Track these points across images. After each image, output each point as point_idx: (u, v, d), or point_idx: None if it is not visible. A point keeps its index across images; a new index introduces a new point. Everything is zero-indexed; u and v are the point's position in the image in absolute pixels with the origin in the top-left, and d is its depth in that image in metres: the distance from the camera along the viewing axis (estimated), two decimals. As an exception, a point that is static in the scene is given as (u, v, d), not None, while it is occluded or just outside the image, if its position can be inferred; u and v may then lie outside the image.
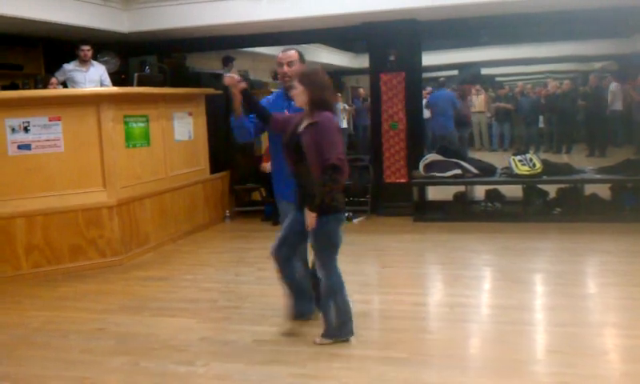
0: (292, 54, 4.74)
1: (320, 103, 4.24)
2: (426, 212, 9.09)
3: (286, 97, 4.76)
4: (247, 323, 5.04)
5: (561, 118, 16.53)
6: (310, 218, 4.26)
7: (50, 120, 6.78)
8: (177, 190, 8.31)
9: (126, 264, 7.11)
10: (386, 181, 9.42)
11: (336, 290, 4.48)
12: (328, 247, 4.44)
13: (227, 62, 11.05)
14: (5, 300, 6.08)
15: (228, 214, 9.56)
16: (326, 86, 4.31)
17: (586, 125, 16.29)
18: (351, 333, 4.56)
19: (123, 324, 5.20)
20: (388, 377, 4.01)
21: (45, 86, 7.83)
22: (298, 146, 4.26)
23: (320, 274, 4.48)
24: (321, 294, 4.53)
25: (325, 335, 4.54)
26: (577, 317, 4.94)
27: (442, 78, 15.48)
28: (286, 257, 4.63)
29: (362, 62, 16.87)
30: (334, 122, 4.27)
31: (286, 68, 4.69)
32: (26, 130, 6.69)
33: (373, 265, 7.05)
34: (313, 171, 4.22)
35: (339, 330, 4.52)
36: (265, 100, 4.87)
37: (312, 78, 4.30)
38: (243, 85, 4.58)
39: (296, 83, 4.30)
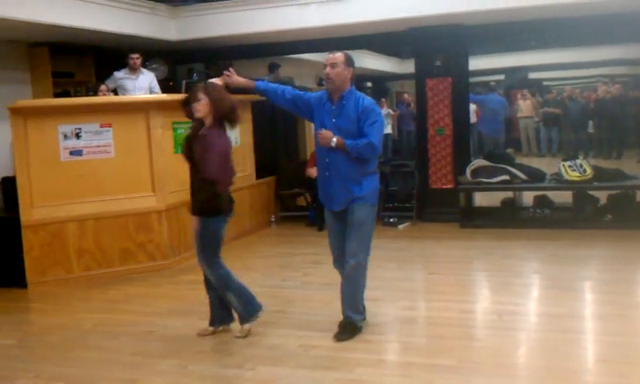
0: (337, 55, 4.67)
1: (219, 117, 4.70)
2: (472, 218, 9.00)
3: (329, 98, 4.76)
4: (293, 328, 5.07)
5: (611, 122, 16.20)
6: (193, 220, 4.81)
7: (101, 126, 6.93)
8: (223, 196, 8.37)
9: (174, 268, 7.21)
10: (431, 186, 9.36)
11: (226, 279, 4.88)
12: (211, 245, 4.89)
13: (273, 68, 11.11)
14: (58, 302, 6.23)
15: (273, 219, 9.61)
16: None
17: (637, 130, 15.95)
18: (259, 307, 4.95)
19: (172, 327, 5.28)
20: (436, 384, 3.99)
21: (96, 94, 8.00)
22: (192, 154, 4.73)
23: (207, 271, 4.92)
24: (217, 289, 4.91)
25: (241, 323, 4.90)
26: (627, 326, 4.83)
27: (492, 82, 15.33)
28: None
29: (407, 67, 16.79)
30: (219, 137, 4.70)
31: (328, 69, 4.64)
32: (78, 136, 6.85)
33: (419, 271, 7.00)
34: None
35: (247, 312, 4.88)
36: (315, 96, 4.89)
37: (217, 91, 4.69)
38: (226, 80, 4.94)
39: (201, 94, 4.63)
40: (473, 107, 15.33)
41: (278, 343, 4.77)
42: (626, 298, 5.58)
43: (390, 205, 9.63)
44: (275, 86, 5.03)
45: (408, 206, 9.42)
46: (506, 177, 8.68)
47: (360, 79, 19.91)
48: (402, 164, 9.81)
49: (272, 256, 7.99)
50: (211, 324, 5.03)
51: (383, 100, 17.28)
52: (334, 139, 4.60)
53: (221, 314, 5.01)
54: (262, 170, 9.41)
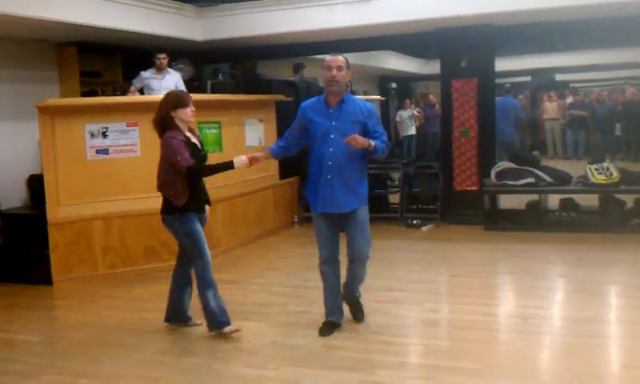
0: (341, 58, 4.74)
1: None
2: (497, 221, 8.93)
3: (325, 102, 4.79)
4: (317, 328, 5.03)
5: (639, 125, 15.98)
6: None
7: (127, 126, 6.99)
8: (247, 195, 8.42)
9: (197, 267, 7.23)
10: (456, 188, 9.30)
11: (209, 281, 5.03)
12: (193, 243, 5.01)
13: (298, 69, 11.13)
14: (83, 299, 6.29)
15: (296, 220, 9.62)
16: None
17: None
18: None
19: (195, 326, 5.30)
20: (459, 387, 3.96)
21: (123, 93, 8.06)
22: None
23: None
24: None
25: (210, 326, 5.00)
26: (656, 331, 4.77)
27: (507, 85, 15.19)
28: None
29: (432, 68, 16.74)
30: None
31: (335, 72, 4.66)
32: (104, 135, 6.91)
33: (443, 273, 6.96)
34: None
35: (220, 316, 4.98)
36: (306, 103, 4.96)
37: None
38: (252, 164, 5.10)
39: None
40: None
41: (301, 344, 4.77)
42: (654, 303, 5.51)
43: (414, 206, 9.61)
44: (281, 143, 5.15)
45: (432, 207, 9.39)
46: (531, 179, 8.60)
47: (384, 80, 19.90)
48: (426, 165, 9.77)
49: (295, 256, 7.99)
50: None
51: (407, 101, 17.23)
52: (372, 143, 4.66)
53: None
54: (285, 171, 9.43)
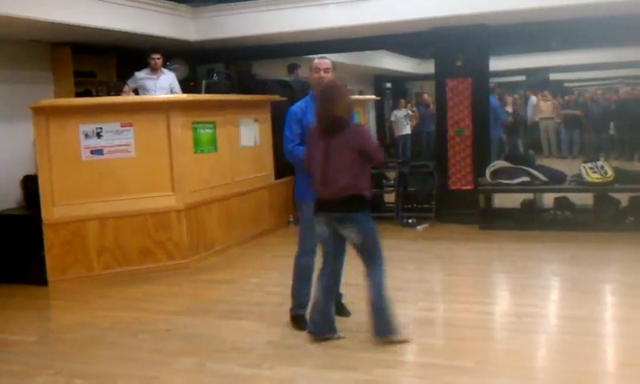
0: (329, 61, 5.01)
1: None
2: (492, 220, 8.94)
3: (314, 99, 4.85)
4: (312, 328, 5.06)
5: (633, 124, 16.03)
6: None
7: (122, 126, 6.98)
8: (243, 195, 8.42)
9: (193, 267, 7.24)
10: (450, 187, 9.31)
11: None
12: None
13: (292, 68, 11.13)
14: (78, 299, 6.28)
15: (292, 219, 9.61)
16: None
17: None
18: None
19: (190, 325, 5.30)
20: (454, 385, 3.97)
21: (117, 93, 8.05)
22: None
23: None
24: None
25: None
26: (650, 329, 4.79)
27: (492, 84, 15.20)
28: None
29: (427, 68, 16.74)
30: None
31: (322, 74, 4.92)
32: (99, 135, 6.90)
33: (438, 272, 6.97)
34: None
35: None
36: (297, 107, 5.03)
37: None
38: None
39: None
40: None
41: (296, 343, 4.77)
42: (648, 301, 5.53)
43: (409, 206, 9.62)
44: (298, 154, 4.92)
45: (427, 207, 9.40)
46: (526, 178, 8.62)
47: (379, 79, 19.90)
48: (421, 165, 9.78)
49: (290, 255, 7.84)
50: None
51: (402, 101, 17.24)
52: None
53: None
54: (280, 170, 9.42)
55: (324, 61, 4.99)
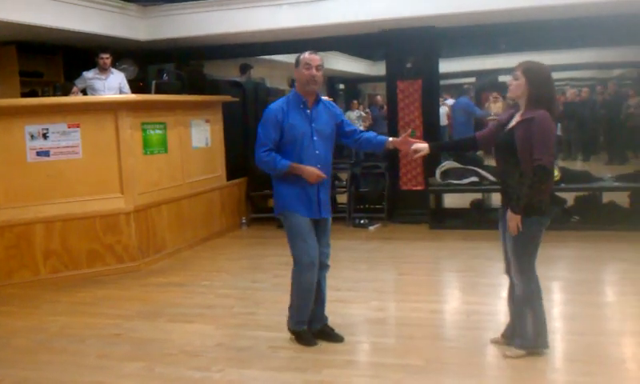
0: (320, 58, 4.57)
1: (538, 100, 4.05)
2: (442, 219, 9.06)
3: (302, 102, 4.55)
4: (263, 329, 5.05)
5: (579, 125, 16.43)
6: (513, 220, 4.11)
7: (68, 127, 6.85)
8: (194, 197, 8.35)
9: (143, 270, 7.15)
10: (402, 188, 9.40)
11: (535, 297, 4.26)
12: (528, 251, 4.23)
13: (244, 69, 11.08)
14: (24, 304, 6.13)
15: (244, 221, 9.58)
16: (548, 83, 4.12)
17: (605, 132, 16.23)
18: (546, 345, 4.30)
19: (139, 329, 5.23)
20: (404, 384, 4.00)
21: (64, 94, 7.90)
22: (508, 143, 4.12)
23: (517, 279, 4.28)
24: (516, 301, 4.34)
25: (519, 346, 4.30)
26: (595, 325, 4.90)
27: (465, 85, 15.47)
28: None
29: (380, 69, 16.85)
30: (550, 121, 4.02)
31: (315, 71, 4.48)
32: (45, 136, 6.76)
33: (389, 272, 7.02)
34: (523, 170, 4.05)
35: (535, 340, 4.27)
36: (277, 107, 4.53)
37: (537, 73, 4.11)
38: (426, 150, 4.48)
39: (519, 74, 4.13)
40: (444, 110, 15.49)
41: (247, 345, 4.75)
42: (594, 297, 5.66)
43: (361, 206, 9.66)
44: (274, 153, 4.53)
45: (379, 207, 9.46)
46: (475, 178, 8.74)
47: (332, 81, 19.97)
48: (372, 165, 9.83)
49: (242, 258, 7.96)
50: (503, 335, 4.55)
51: (355, 102, 17.32)
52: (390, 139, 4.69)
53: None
54: (233, 171, 9.38)
55: (316, 57, 4.52)
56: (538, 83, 4.06)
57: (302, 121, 4.52)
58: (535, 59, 4.30)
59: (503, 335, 4.52)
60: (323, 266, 4.70)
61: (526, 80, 4.07)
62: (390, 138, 4.72)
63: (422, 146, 4.49)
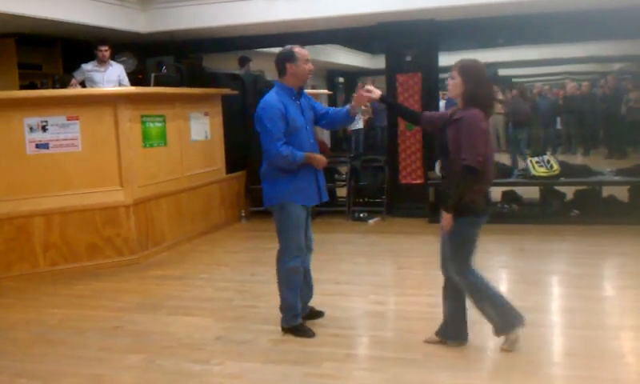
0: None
1: (472, 98, 4.09)
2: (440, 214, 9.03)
3: (294, 94, 4.67)
4: (262, 323, 5.05)
5: (579, 119, 16.41)
6: (445, 219, 4.15)
7: (67, 119, 6.83)
8: (193, 190, 8.34)
9: (142, 263, 7.15)
10: (401, 181, 9.39)
11: (481, 287, 4.29)
12: (463, 252, 4.27)
13: (243, 62, 11.06)
14: (23, 297, 6.13)
15: (243, 214, 9.58)
16: (483, 80, 4.15)
17: (605, 126, 16.22)
18: (521, 322, 4.27)
19: (139, 322, 5.23)
20: (403, 378, 4.00)
21: (63, 86, 7.88)
22: (444, 142, 4.16)
23: (457, 278, 4.31)
24: (469, 300, 4.37)
25: (498, 334, 4.35)
26: (594, 319, 4.90)
27: None
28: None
29: (379, 62, 16.82)
30: (480, 121, 4.04)
31: (311, 65, 4.67)
32: (44, 129, 6.75)
33: (388, 266, 7.02)
34: (454, 169, 4.09)
35: (506, 324, 4.29)
36: (275, 100, 4.57)
37: (471, 71, 4.14)
38: (377, 95, 4.65)
39: (455, 73, 4.15)
40: (444, 103, 15.47)
41: (246, 338, 4.75)
42: (593, 291, 5.66)
43: (360, 200, 9.66)
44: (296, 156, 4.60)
45: (378, 200, 9.46)
46: (474, 172, 8.72)
47: (332, 74, 19.94)
48: (372, 159, 9.83)
49: (242, 251, 7.95)
50: (438, 333, 4.54)
51: (355, 95, 17.28)
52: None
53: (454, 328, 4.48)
54: (232, 165, 9.37)
55: (307, 51, 4.70)
56: (473, 81, 4.10)
57: (298, 112, 4.66)
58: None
59: (437, 333, 4.52)
60: (310, 250, 4.95)
61: (462, 79, 4.12)
62: (348, 105, 4.90)
63: (375, 90, 4.69)
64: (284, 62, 4.64)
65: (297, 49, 4.64)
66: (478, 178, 4.04)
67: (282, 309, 4.83)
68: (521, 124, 13.62)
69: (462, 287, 4.32)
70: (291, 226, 4.67)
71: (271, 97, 4.62)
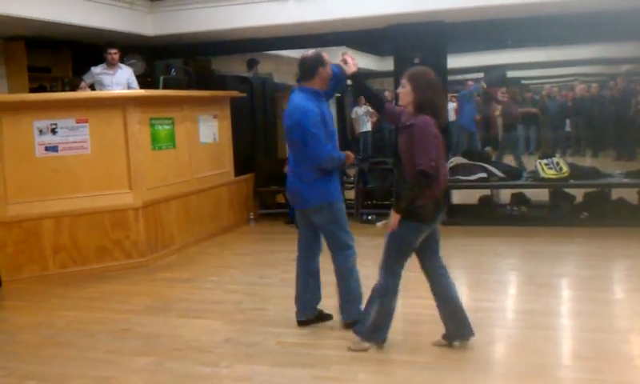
0: None
1: (421, 105, 4.15)
2: (450, 215, 9.01)
3: (321, 97, 4.71)
4: (271, 325, 5.05)
5: (588, 121, 16.35)
6: (393, 218, 4.22)
7: (77, 122, 6.86)
8: (202, 192, 8.36)
9: (151, 265, 7.16)
10: (410, 184, 9.35)
11: (389, 293, 4.40)
12: (397, 253, 4.35)
13: (252, 64, 11.08)
14: (33, 299, 6.16)
15: (252, 217, 9.59)
16: (431, 88, 4.20)
17: (614, 128, 16.16)
18: (380, 342, 4.45)
19: (148, 325, 5.24)
20: (413, 381, 4.00)
21: (72, 89, 7.91)
22: (397, 146, 4.28)
23: (380, 273, 4.43)
24: (372, 290, 4.47)
25: (357, 330, 4.48)
26: (603, 322, 4.88)
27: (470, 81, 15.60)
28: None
29: (387, 65, 16.77)
30: (431, 126, 4.10)
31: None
32: (54, 131, 6.77)
33: (397, 268, 7.00)
34: (406, 173, 4.20)
35: (371, 333, 4.42)
36: (312, 105, 4.60)
37: (420, 78, 4.22)
38: (354, 69, 4.73)
39: (404, 81, 4.23)
40: (453, 106, 15.51)
41: (255, 341, 4.75)
42: (602, 294, 5.64)
43: (369, 202, 9.66)
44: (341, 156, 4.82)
45: (386, 203, 9.44)
46: (483, 174, 8.72)
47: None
48: (380, 161, 9.82)
49: (250, 253, 7.96)
50: (444, 337, 4.53)
51: (362, 98, 17.27)
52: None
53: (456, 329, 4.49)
54: (240, 167, 9.38)
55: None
56: (422, 89, 4.17)
57: (328, 114, 4.77)
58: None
59: (443, 337, 4.52)
60: (320, 250, 5.14)
61: (411, 87, 4.19)
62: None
63: (351, 64, 4.73)
64: (316, 65, 4.64)
65: (322, 53, 4.71)
66: (431, 182, 4.09)
67: (352, 301, 4.89)
68: (512, 126, 13.87)
69: (377, 281, 4.43)
70: (343, 222, 4.88)
71: (306, 102, 4.61)
